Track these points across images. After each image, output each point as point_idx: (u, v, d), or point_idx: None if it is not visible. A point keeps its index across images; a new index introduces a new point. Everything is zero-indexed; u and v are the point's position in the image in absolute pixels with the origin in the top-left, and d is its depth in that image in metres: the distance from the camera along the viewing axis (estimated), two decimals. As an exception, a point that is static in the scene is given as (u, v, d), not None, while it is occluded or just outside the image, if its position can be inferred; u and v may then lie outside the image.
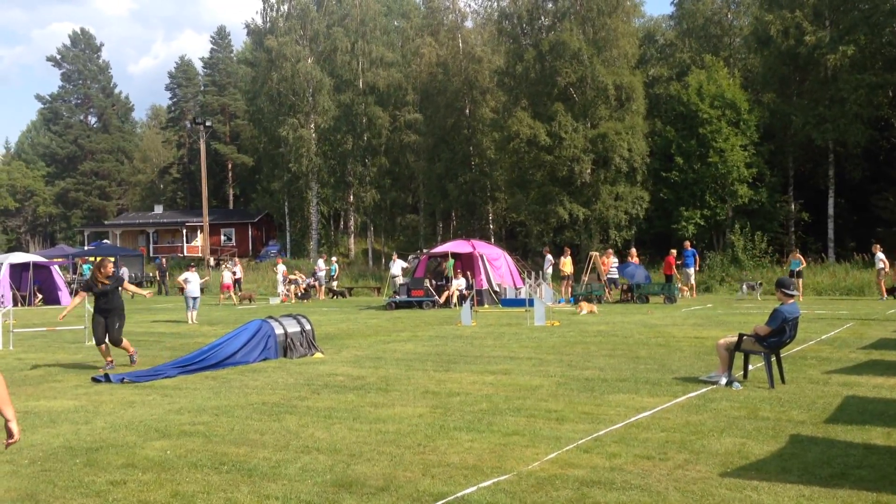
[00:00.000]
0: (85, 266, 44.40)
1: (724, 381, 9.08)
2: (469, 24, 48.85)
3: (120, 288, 12.53)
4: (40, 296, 31.83)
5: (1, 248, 70.99)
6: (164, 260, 42.72)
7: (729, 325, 15.83)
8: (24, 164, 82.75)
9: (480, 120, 44.81)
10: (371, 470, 5.93)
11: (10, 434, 4.16)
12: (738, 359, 9.45)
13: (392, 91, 49.13)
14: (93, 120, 77.58)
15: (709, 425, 7.11)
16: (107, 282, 12.15)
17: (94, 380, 10.71)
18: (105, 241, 60.57)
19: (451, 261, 25.54)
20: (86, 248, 56.48)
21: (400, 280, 27.42)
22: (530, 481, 5.53)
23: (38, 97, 77.83)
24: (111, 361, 12.06)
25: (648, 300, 23.98)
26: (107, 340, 12.10)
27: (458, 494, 5.27)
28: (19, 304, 28.79)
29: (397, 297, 25.16)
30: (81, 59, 75.82)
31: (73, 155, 74.79)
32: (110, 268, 12.40)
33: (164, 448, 6.78)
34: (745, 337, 9.23)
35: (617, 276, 26.02)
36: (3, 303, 26.41)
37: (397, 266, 28.89)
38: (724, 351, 9.28)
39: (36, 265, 31.89)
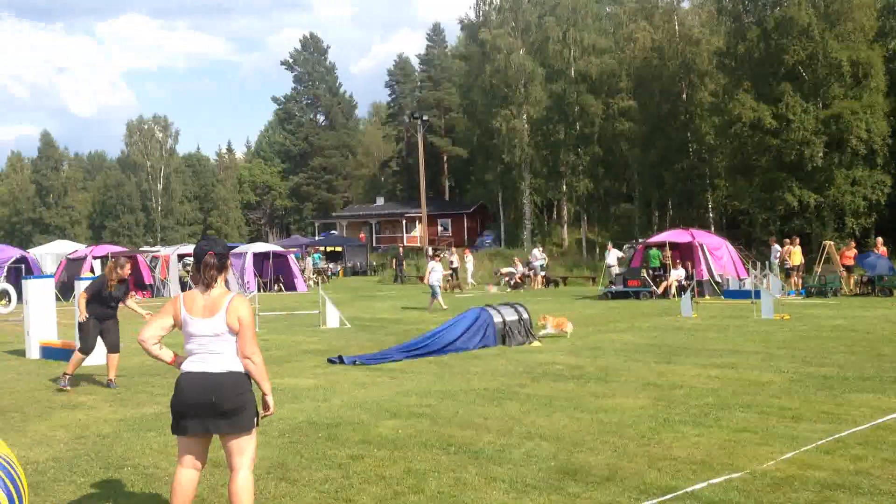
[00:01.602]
0: (315, 255, 47.64)
1: None
2: (686, 4, 47.00)
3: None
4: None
5: (244, 239, 77.71)
6: (400, 248, 44.72)
7: None
8: (263, 161, 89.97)
9: (698, 104, 42.98)
10: (595, 459, 5.93)
11: (266, 407, 4.57)
12: None
13: (605, 78, 48.31)
14: (321, 118, 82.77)
15: (971, 432, 6.43)
16: (123, 279, 10.06)
17: (330, 361, 11.49)
18: (333, 231, 64.56)
19: (656, 250, 24.87)
20: (316, 238, 60.57)
21: (616, 270, 27.01)
22: (765, 481, 5.28)
23: (274, 99, 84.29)
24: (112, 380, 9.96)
25: (893, 293, 21.95)
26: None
27: (688, 489, 5.15)
28: (261, 290, 31.37)
29: (613, 287, 24.81)
30: (311, 61, 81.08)
31: (305, 151, 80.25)
32: (129, 269, 10.17)
33: (395, 427, 7.15)
34: None
35: (789, 267, 24.23)
36: (248, 288, 28.96)
37: (613, 256, 28.47)
38: None
39: (275, 254, 34.68)
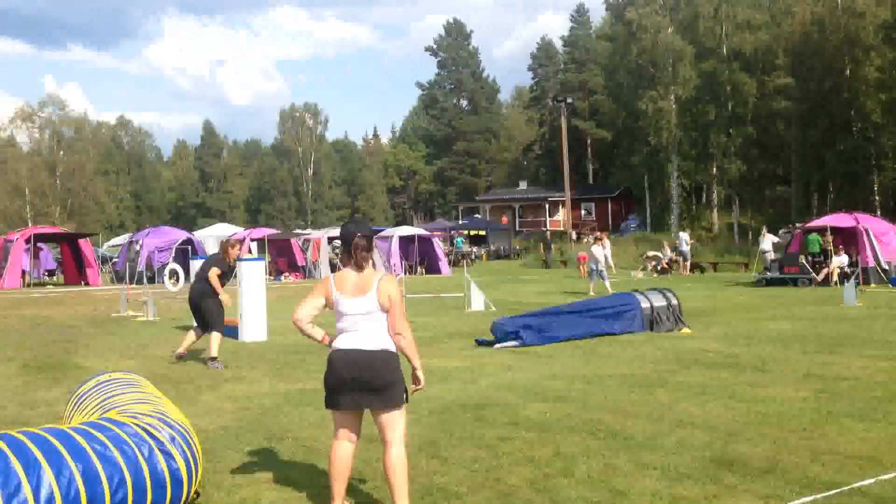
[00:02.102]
0: (458, 239, 48.19)
1: None
2: (850, -26, 44.01)
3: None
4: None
5: (390, 223, 79.64)
6: (548, 233, 44.61)
7: None
8: (407, 146, 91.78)
9: (863, 81, 40.18)
10: (752, 450, 5.72)
11: (416, 381, 4.69)
12: None
13: (760, 55, 46.04)
14: (464, 103, 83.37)
15: None
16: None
17: (478, 342, 11.63)
18: (476, 215, 65.05)
19: (815, 235, 23.59)
20: (460, 222, 61.23)
21: (771, 256, 25.85)
22: (943, 480, 4.93)
23: (418, 84, 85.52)
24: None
25: None
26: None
27: (854, 485, 4.87)
28: (407, 273, 32.06)
29: (768, 273, 23.75)
30: (454, 47, 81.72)
31: (448, 136, 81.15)
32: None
33: (542, 410, 7.16)
34: None
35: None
36: (395, 271, 29.70)
37: (768, 241, 27.24)
38: None
39: (420, 238, 35.36)
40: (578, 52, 70.82)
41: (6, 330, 14.60)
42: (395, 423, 4.51)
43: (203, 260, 12.02)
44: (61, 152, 78.23)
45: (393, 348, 4.52)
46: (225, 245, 10.43)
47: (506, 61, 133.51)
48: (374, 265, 4.65)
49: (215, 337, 10.10)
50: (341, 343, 4.54)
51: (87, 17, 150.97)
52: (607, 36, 62.56)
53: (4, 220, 66.49)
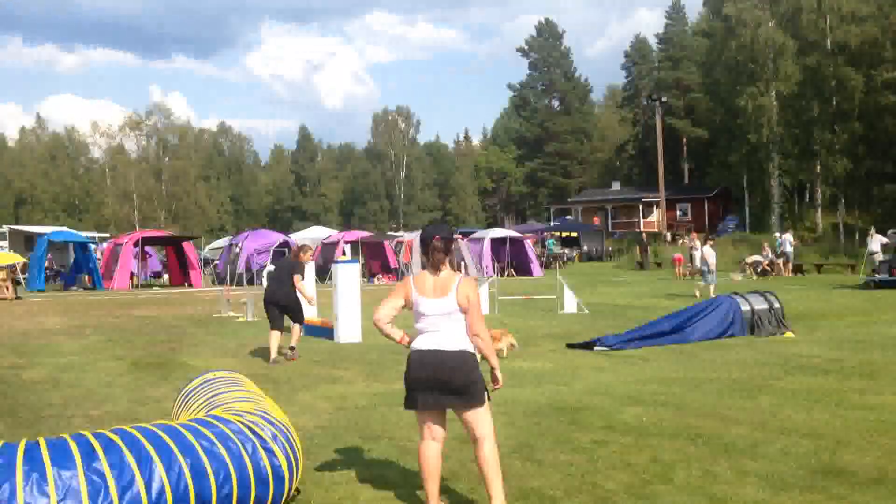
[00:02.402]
0: (549, 241, 47.84)
1: None
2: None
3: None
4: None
5: (481, 225, 79.76)
6: (644, 235, 43.92)
7: None
8: (499, 147, 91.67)
9: (983, 70, 38.08)
10: (861, 459, 5.49)
11: (495, 380, 4.71)
12: None
13: (866, 48, 44.03)
14: (556, 104, 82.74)
15: None
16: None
17: (569, 346, 11.53)
18: (568, 217, 64.48)
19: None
20: (551, 223, 60.82)
21: (879, 257, 24.70)
22: None
23: (510, 86, 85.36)
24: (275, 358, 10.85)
25: None
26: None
27: (975, 500, 4.62)
28: (498, 275, 32.05)
29: (877, 275, 22.70)
30: (546, 47, 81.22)
31: (540, 137, 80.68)
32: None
33: (638, 415, 7.04)
34: None
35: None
36: (487, 273, 29.72)
37: (876, 241, 26.05)
38: None
39: (511, 239, 35.27)
40: (674, 49, 69.37)
41: (117, 329, 15.32)
42: (480, 420, 4.55)
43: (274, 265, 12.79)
44: (166, 158, 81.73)
45: (471, 349, 4.57)
46: (297, 250, 11.32)
47: (598, 60, 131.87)
48: (465, 268, 4.71)
49: (299, 329, 11.21)
50: (420, 343, 4.61)
51: (191, 28, 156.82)
52: (704, 32, 61.11)
53: (115, 224, 69.85)
